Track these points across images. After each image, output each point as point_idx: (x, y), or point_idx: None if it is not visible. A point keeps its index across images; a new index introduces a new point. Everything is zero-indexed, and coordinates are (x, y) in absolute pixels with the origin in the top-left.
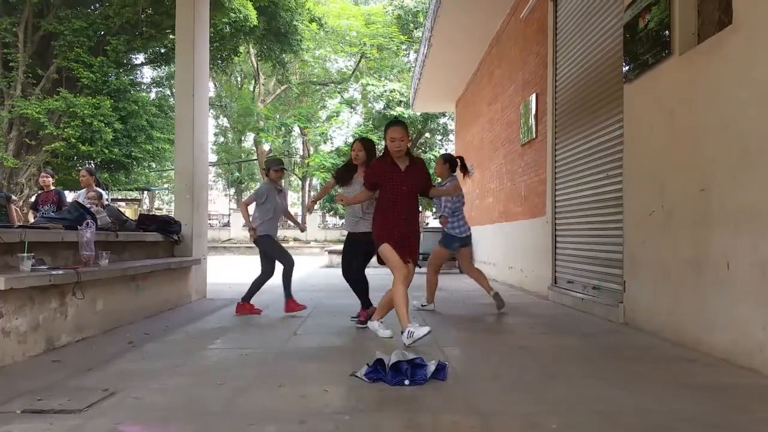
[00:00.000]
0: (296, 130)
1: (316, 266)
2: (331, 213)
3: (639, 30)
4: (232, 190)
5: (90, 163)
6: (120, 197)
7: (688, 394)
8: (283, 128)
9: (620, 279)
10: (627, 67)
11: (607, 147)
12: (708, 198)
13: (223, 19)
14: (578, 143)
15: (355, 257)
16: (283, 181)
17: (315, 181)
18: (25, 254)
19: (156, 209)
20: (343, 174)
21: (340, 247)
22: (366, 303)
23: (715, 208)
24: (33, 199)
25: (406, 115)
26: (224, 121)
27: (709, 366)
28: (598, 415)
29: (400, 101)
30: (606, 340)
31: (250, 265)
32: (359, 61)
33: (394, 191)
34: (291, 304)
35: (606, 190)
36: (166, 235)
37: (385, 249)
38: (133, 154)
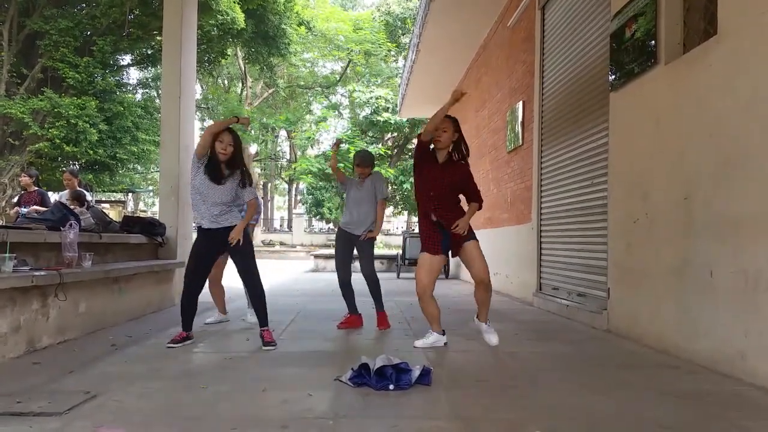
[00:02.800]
0: (283, 133)
1: (301, 271)
2: (317, 217)
3: (625, 39)
4: None
5: (74, 164)
6: (104, 199)
7: (670, 402)
8: (267, 131)
9: (604, 286)
10: (613, 76)
11: (593, 155)
12: (691, 206)
13: (210, 21)
14: (564, 151)
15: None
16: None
17: (302, 185)
18: (7, 254)
19: (140, 211)
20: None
21: (326, 251)
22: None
23: (698, 215)
24: (16, 199)
25: (392, 121)
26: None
27: (690, 373)
28: (580, 421)
29: (387, 107)
30: (589, 347)
31: (235, 269)
32: (347, 66)
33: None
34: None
35: (591, 197)
36: (151, 237)
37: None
38: (117, 155)
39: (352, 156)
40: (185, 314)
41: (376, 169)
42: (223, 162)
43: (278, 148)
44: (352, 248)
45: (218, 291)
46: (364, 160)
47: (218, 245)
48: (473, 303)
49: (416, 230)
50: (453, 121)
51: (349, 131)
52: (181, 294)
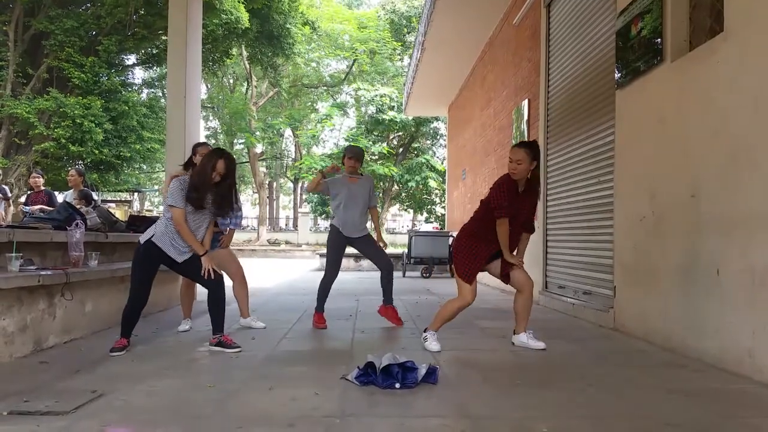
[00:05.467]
0: (288, 132)
1: (306, 270)
2: (323, 216)
3: (631, 37)
4: None
5: (80, 164)
6: (110, 198)
7: (677, 400)
8: (270, 131)
9: (611, 284)
10: (619, 74)
11: (599, 153)
12: (698, 204)
13: (215, 21)
14: (570, 149)
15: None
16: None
17: (306, 184)
18: (14, 254)
19: (146, 211)
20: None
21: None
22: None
23: (704, 214)
24: (23, 199)
25: (398, 120)
26: (215, 123)
27: (698, 372)
28: (587, 419)
29: (392, 106)
30: (596, 345)
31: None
32: (352, 65)
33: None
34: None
35: (597, 195)
36: None
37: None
38: (123, 154)
39: (344, 149)
40: (129, 324)
41: (379, 168)
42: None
43: (283, 147)
44: (345, 249)
45: (190, 297)
46: (357, 155)
47: (160, 264)
48: (480, 303)
49: (421, 228)
50: (529, 150)
51: (355, 129)
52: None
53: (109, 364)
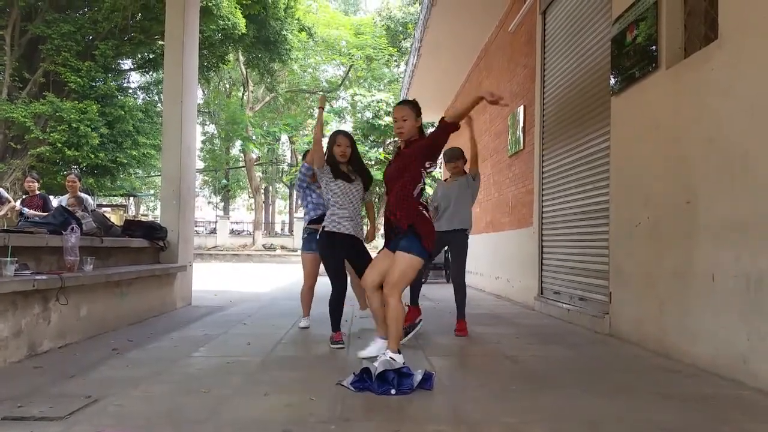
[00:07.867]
0: (284, 137)
1: (301, 275)
2: None
3: (626, 44)
4: (218, 197)
5: (76, 168)
6: (105, 203)
7: (672, 405)
8: (269, 137)
9: (606, 290)
10: (614, 80)
11: (594, 159)
12: (693, 210)
13: (211, 26)
14: (565, 155)
15: None
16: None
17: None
18: (9, 258)
19: (142, 215)
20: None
21: None
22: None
23: (700, 219)
24: (18, 203)
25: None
26: (211, 128)
27: (692, 377)
28: (583, 424)
29: (388, 111)
30: (591, 351)
31: (236, 273)
32: (348, 71)
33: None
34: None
35: (592, 201)
36: (152, 241)
37: None
38: (118, 159)
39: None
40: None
41: (376, 173)
42: (341, 164)
43: (279, 152)
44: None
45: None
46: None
47: (345, 249)
48: (475, 308)
49: None
50: (413, 105)
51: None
52: (182, 298)
53: (104, 369)
